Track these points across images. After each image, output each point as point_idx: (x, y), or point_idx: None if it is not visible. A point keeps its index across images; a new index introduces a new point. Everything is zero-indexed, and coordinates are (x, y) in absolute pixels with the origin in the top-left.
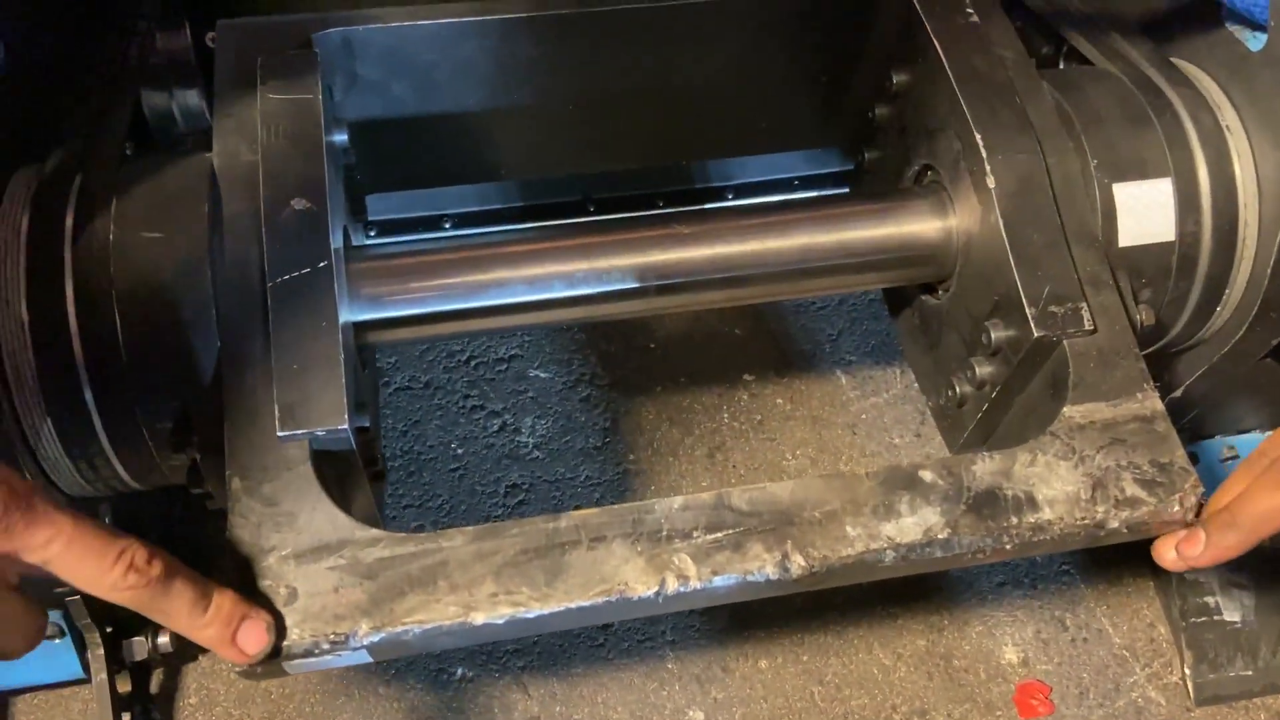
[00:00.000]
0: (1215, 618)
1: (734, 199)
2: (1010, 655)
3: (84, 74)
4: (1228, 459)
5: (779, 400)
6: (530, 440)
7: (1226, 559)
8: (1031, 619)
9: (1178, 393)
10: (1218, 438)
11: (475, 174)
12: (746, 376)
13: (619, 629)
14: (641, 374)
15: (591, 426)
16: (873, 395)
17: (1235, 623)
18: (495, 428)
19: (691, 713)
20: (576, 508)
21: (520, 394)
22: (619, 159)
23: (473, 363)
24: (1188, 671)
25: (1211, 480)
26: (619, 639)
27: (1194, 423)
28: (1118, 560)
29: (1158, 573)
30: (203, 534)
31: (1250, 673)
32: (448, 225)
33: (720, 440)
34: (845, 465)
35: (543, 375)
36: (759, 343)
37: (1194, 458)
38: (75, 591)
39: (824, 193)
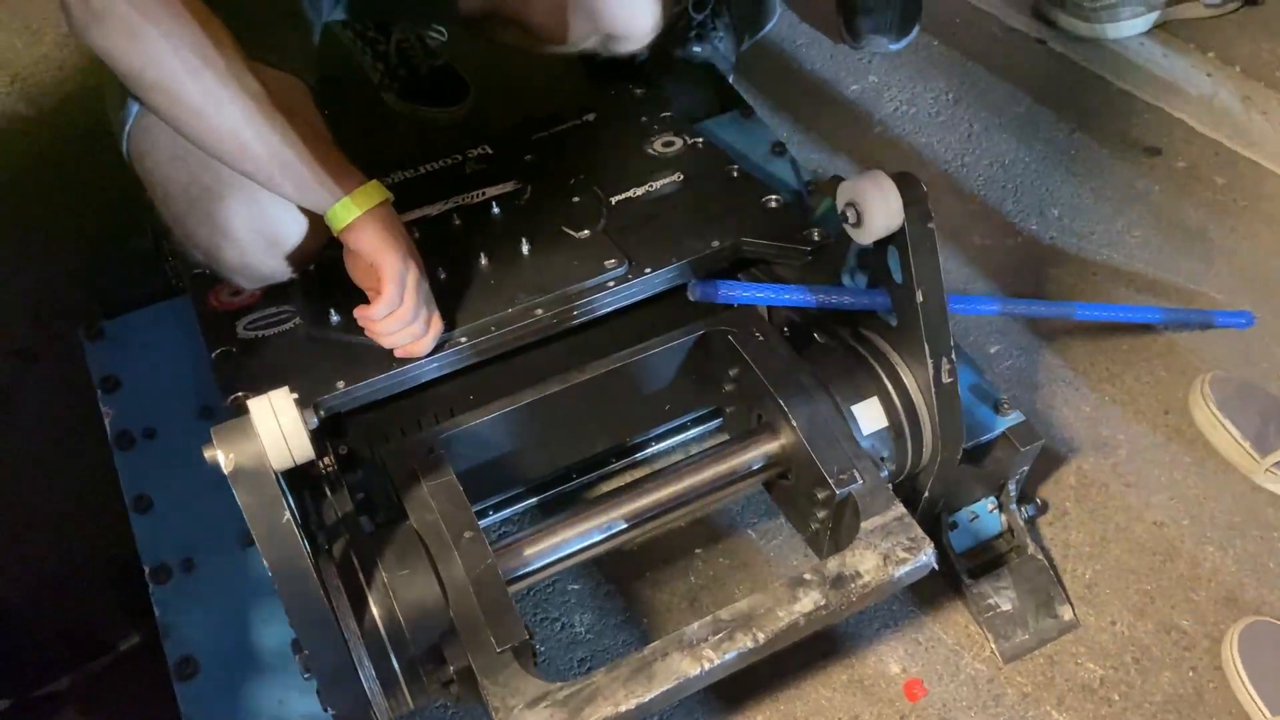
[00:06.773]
0: (998, 609)
1: (656, 445)
2: (894, 668)
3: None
4: (973, 520)
5: (720, 559)
6: (581, 628)
7: None
8: (900, 644)
9: (928, 492)
10: (963, 509)
11: (510, 486)
12: (697, 550)
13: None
14: (633, 569)
15: (613, 608)
16: (774, 539)
17: (1008, 609)
18: (559, 628)
19: None
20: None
21: (566, 602)
22: (590, 449)
23: (533, 593)
24: (993, 646)
25: (966, 532)
26: None
27: (947, 503)
28: (939, 601)
29: (960, 595)
30: None
31: (1027, 636)
32: (490, 512)
33: (694, 594)
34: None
35: (576, 587)
36: (697, 530)
37: (954, 524)
38: None
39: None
